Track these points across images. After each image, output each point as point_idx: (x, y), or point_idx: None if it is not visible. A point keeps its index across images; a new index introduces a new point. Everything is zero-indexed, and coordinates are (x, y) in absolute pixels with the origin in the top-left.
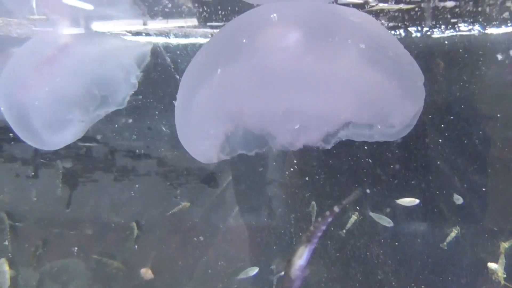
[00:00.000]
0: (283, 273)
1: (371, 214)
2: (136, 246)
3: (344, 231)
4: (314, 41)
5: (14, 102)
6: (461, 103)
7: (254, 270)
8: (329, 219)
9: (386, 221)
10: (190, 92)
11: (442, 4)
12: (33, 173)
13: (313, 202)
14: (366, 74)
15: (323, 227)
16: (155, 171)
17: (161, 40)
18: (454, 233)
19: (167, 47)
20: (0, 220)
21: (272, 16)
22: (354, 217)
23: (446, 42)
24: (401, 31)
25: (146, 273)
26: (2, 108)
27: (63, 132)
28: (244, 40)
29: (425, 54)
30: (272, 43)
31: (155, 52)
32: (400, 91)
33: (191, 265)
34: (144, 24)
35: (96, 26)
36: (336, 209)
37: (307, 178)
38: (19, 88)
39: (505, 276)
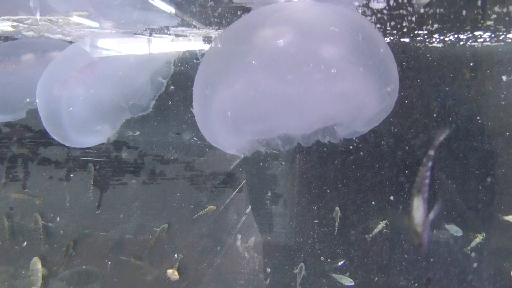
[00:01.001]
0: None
1: (446, 226)
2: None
3: (370, 235)
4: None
5: (50, 97)
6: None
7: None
8: (430, 164)
9: (455, 231)
10: (204, 102)
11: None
12: (65, 176)
13: (337, 208)
14: (348, 71)
15: (428, 174)
16: (183, 175)
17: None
18: (479, 238)
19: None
20: (34, 220)
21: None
22: (382, 224)
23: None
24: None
25: (173, 274)
26: (37, 100)
27: (88, 137)
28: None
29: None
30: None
31: (184, 58)
32: (374, 90)
33: (216, 267)
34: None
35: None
36: (431, 152)
37: (326, 188)
38: (58, 85)
39: None
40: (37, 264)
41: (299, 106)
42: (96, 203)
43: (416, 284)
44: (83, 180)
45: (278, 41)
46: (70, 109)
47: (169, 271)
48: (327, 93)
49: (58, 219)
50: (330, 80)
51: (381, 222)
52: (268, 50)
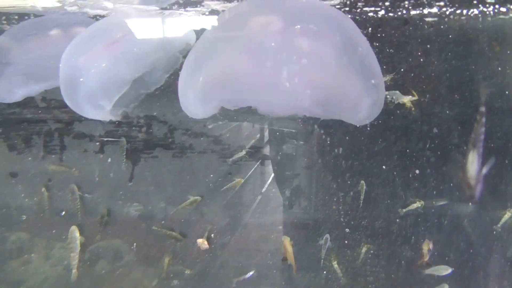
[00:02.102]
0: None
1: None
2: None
3: (404, 210)
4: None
5: (73, 65)
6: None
7: None
8: (483, 120)
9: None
10: (194, 66)
11: None
12: (99, 149)
13: (362, 181)
14: (334, 62)
15: (482, 129)
16: (211, 149)
17: None
18: (508, 215)
19: None
20: (71, 191)
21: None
22: (418, 204)
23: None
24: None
25: (203, 243)
26: (60, 65)
27: (100, 110)
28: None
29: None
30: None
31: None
32: (359, 82)
33: (242, 239)
34: None
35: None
36: (482, 109)
37: (351, 162)
38: (82, 55)
39: None
40: (75, 232)
41: (276, 92)
42: (129, 176)
43: (443, 258)
44: (116, 154)
45: (266, 29)
46: (81, 80)
47: (199, 240)
48: (307, 82)
49: (93, 190)
50: (311, 70)
51: (417, 202)
52: (254, 35)
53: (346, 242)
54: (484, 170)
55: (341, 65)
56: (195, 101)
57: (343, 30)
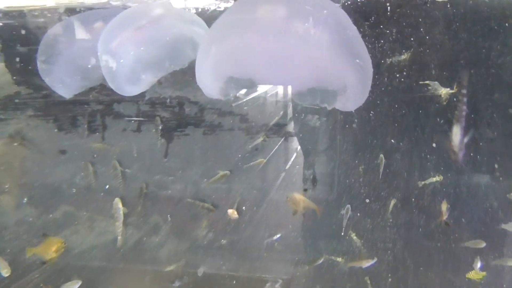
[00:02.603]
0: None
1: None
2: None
3: (422, 183)
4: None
5: (108, 51)
6: None
7: None
8: (465, 99)
9: None
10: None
11: None
12: (137, 128)
13: (381, 155)
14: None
15: (464, 107)
16: (238, 127)
17: None
18: None
19: None
20: (113, 167)
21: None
22: (437, 178)
23: None
24: None
25: (233, 213)
26: (98, 53)
27: (136, 86)
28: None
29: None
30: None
31: None
32: (348, 61)
33: (268, 210)
34: None
35: None
36: (464, 90)
37: (370, 136)
38: (114, 42)
39: None
40: (118, 204)
41: (279, 68)
42: (163, 152)
43: (460, 228)
44: (152, 132)
45: (272, 14)
46: (122, 61)
47: (230, 211)
48: (305, 59)
49: (132, 165)
50: (309, 49)
51: (436, 176)
52: (262, 19)
53: (366, 211)
54: (465, 140)
55: (333, 45)
56: (208, 77)
57: (335, 17)
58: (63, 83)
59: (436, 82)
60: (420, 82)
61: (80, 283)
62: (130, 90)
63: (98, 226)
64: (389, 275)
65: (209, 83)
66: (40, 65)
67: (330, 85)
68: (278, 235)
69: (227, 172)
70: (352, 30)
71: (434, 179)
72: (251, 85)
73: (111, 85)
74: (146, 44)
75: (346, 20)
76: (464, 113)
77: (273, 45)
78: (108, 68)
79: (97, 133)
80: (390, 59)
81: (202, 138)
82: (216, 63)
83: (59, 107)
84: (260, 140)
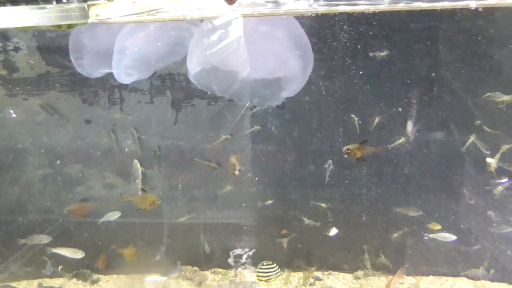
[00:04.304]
0: (331, 167)
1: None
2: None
3: (391, 146)
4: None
5: (122, 44)
6: None
7: None
8: (415, 103)
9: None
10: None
11: None
12: (150, 100)
13: (353, 115)
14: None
15: (415, 107)
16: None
17: None
18: (471, 139)
19: None
20: (131, 133)
21: None
22: (402, 140)
23: None
24: None
25: (234, 171)
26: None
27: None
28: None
29: None
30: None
31: None
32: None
33: (258, 166)
34: None
35: None
36: (414, 101)
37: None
38: (128, 39)
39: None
40: (137, 164)
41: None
42: (173, 120)
43: (424, 177)
44: (163, 103)
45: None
46: (135, 49)
47: (232, 161)
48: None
49: (147, 132)
50: (271, 43)
51: (402, 138)
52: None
53: (344, 165)
54: (414, 130)
55: (286, 40)
56: (196, 62)
57: (288, 22)
58: (92, 71)
59: (497, 92)
60: None
61: (83, 254)
62: (127, 78)
63: (113, 183)
64: (363, 215)
65: (197, 66)
66: (74, 60)
67: (284, 71)
68: (270, 201)
69: (229, 136)
70: (300, 30)
71: (400, 141)
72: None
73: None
74: (151, 43)
75: (295, 24)
76: (414, 113)
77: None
78: (118, 59)
79: (116, 105)
80: (374, 53)
81: (206, 108)
82: (202, 53)
83: (83, 83)
84: (257, 109)
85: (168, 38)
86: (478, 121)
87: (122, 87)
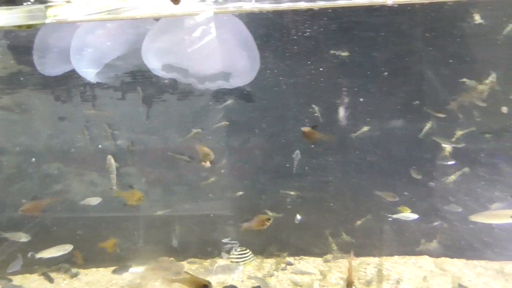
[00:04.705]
0: (299, 156)
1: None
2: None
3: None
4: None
5: (81, 40)
6: None
7: None
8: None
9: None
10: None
11: None
12: (121, 97)
13: (314, 105)
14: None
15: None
16: (208, 93)
17: None
18: (428, 126)
19: None
20: (104, 129)
21: None
22: (365, 128)
23: None
24: None
25: (206, 163)
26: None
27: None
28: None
29: None
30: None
31: None
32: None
33: (233, 159)
34: None
35: None
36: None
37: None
38: (89, 36)
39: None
40: (111, 159)
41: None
42: (145, 115)
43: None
44: (134, 99)
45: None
46: (93, 46)
47: (203, 163)
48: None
49: (120, 128)
50: (222, 43)
51: (364, 127)
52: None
53: (312, 154)
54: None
55: (236, 41)
56: (152, 58)
57: (235, 25)
58: (53, 69)
59: None
60: None
61: (71, 247)
62: (90, 74)
63: (91, 179)
64: (331, 203)
65: (153, 62)
66: (36, 60)
67: (233, 68)
68: (241, 192)
69: (199, 130)
70: (246, 33)
71: (364, 129)
72: (181, 70)
73: (75, 66)
74: (108, 40)
75: (242, 27)
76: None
77: (195, 42)
78: (76, 55)
79: (89, 102)
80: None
81: (177, 103)
82: (158, 51)
83: (55, 81)
84: (228, 102)
85: (126, 36)
86: (417, 101)
87: (94, 84)
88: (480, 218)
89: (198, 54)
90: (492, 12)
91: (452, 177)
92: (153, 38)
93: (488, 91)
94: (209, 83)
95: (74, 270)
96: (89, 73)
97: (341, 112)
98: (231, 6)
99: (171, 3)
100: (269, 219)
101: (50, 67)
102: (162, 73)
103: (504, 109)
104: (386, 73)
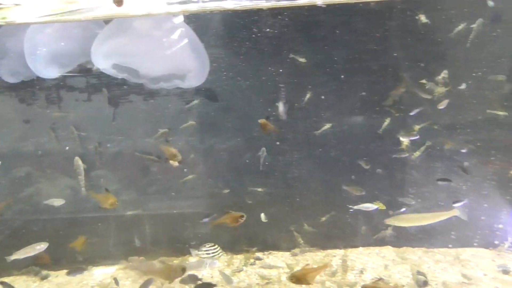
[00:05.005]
0: (265, 154)
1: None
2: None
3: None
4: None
5: (33, 40)
6: None
7: None
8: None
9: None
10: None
11: None
12: (87, 98)
13: (277, 103)
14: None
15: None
16: (173, 93)
17: None
18: (386, 122)
19: None
20: (71, 131)
21: None
22: (328, 126)
23: None
24: None
25: (174, 162)
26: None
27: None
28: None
29: None
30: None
31: None
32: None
33: (202, 155)
34: None
35: None
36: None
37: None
38: (39, 35)
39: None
40: (79, 161)
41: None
42: (112, 116)
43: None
44: (101, 101)
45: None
46: (45, 45)
47: (171, 160)
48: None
49: (86, 129)
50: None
51: (326, 124)
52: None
53: (278, 151)
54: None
55: (183, 43)
56: (101, 57)
57: (183, 28)
58: (12, 75)
59: None
60: None
61: (47, 245)
62: (47, 73)
63: (62, 181)
64: (297, 198)
65: (101, 61)
66: None
67: (182, 70)
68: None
69: (166, 129)
70: (194, 37)
71: (326, 127)
72: (132, 71)
73: (32, 67)
74: (60, 40)
75: (190, 31)
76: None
77: (145, 45)
78: (30, 55)
79: (55, 104)
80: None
81: (143, 103)
82: (108, 51)
83: (20, 85)
84: (195, 102)
85: (77, 34)
86: (364, 93)
87: (59, 86)
88: (394, 221)
89: (146, 55)
90: (442, 12)
91: (417, 153)
92: (102, 39)
93: (445, 92)
94: (162, 83)
95: (44, 272)
96: (47, 72)
97: (302, 110)
98: (195, 7)
99: (114, 5)
100: (242, 216)
101: (10, 73)
102: (113, 73)
103: (444, 103)
104: (346, 72)
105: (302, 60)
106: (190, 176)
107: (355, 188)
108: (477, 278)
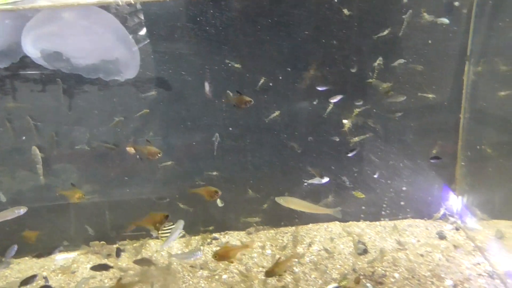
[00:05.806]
0: (218, 139)
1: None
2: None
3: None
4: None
5: None
6: None
7: None
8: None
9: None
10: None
11: None
12: (42, 89)
13: (228, 91)
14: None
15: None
16: (128, 83)
17: None
18: (330, 106)
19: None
20: (27, 122)
21: None
22: (276, 114)
23: None
24: None
25: (130, 150)
26: None
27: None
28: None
29: None
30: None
31: None
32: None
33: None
34: None
35: None
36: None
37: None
38: None
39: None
40: (36, 150)
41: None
42: (67, 106)
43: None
44: (55, 91)
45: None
46: None
47: (128, 148)
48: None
49: (42, 119)
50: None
51: (276, 112)
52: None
53: (230, 136)
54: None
55: (116, 38)
56: (29, 44)
57: (112, 21)
58: None
59: None
60: None
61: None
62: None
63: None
64: (251, 180)
65: (30, 47)
66: None
67: (110, 61)
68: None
69: (121, 118)
70: (123, 31)
71: (275, 114)
72: (62, 60)
73: None
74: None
75: (119, 25)
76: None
77: (71, 34)
78: None
79: (9, 95)
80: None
81: (98, 93)
82: (36, 38)
83: None
84: (152, 93)
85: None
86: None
87: (13, 77)
88: (282, 201)
89: (72, 44)
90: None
91: (356, 139)
92: (30, 27)
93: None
94: (98, 74)
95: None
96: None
97: (253, 98)
98: None
99: None
100: (217, 191)
101: None
102: (45, 63)
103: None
104: (292, 61)
105: (237, 65)
106: (168, 162)
107: (317, 170)
108: (410, 244)
